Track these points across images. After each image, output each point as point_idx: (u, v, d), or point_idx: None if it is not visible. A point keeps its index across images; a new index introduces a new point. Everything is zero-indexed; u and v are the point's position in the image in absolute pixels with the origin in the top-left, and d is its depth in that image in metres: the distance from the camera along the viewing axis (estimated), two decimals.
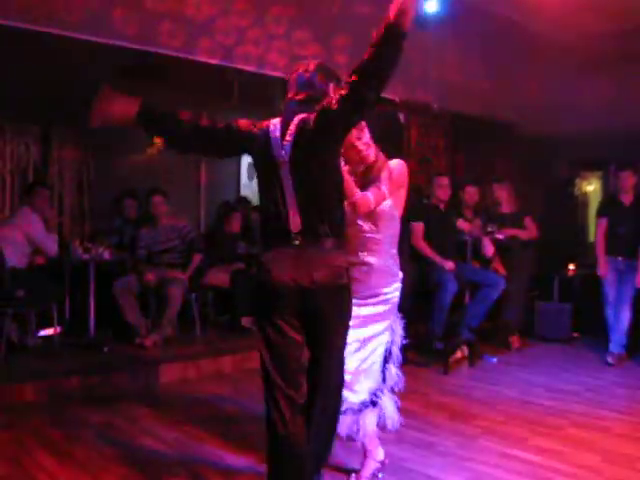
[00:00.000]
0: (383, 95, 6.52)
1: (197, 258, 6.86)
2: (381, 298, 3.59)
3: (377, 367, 3.63)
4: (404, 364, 3.84)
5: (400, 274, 3.68)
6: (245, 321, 7.27)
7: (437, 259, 6.45)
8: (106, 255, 6.48)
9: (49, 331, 6.20)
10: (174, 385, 5.77)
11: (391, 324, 3.66)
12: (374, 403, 3.62)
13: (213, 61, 6.08)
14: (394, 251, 3.66)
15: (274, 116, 3.01)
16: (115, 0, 5.62)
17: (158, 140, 8.42)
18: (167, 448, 4.23)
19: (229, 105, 9.32)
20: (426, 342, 6.28)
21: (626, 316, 6.75)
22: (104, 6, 5.56)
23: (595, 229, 7.15)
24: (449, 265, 6.42)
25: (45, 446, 4.22)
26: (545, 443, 4.41)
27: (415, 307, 5.82)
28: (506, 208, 7.44)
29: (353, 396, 3.56)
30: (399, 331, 3.71)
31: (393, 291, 3.62)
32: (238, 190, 10.23)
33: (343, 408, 3.40)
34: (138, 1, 5.74)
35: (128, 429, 4.59)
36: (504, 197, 7.45)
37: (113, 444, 4.28)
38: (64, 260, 6.62)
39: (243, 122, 3.14)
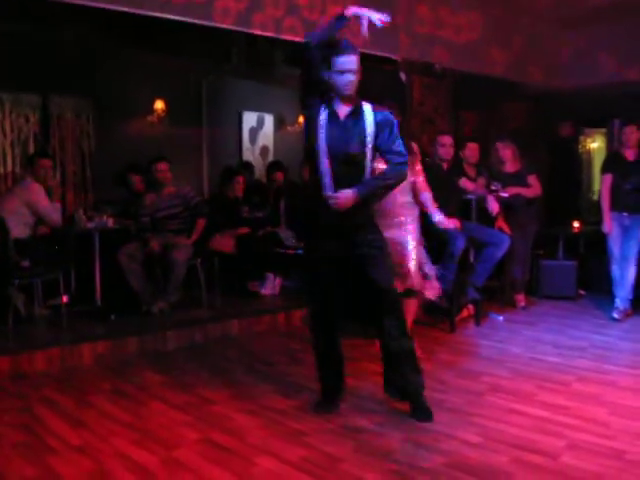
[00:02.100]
0: (384, 54, 6.48)
1: (202, 223, 6.84)
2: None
3: None
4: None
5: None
6: (251, 285, 7.30)
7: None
8: (110, 223, 6.48)
9: (56, 301, 6.22)
10: (182, 350, 5.81)
11: None
12: None
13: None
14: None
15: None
16: None
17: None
18: (178, 411, 4.27)
19: (229, 71, 9.30)
20: (432, 301, 6.27)
21: (632, 271, 6.76)
22: None
23: (600, 186, 7.12)
24: (454, 223, 6.39)
25: (56, 413, 4.26)
26: (552, 398, 4.44)
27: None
28: (510, 167, 7.39)
29: None
30: None
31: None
32: (240, 155, 10.18)
33: None
34: None
35: (138, 395, 4.62)
36: (508, 156, 7.39)
37: (124, 409, 4.32)
38: (68, 230, 6.61)
39: None
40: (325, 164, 3.93)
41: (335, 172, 3.92)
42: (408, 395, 4.17)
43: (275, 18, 6.03)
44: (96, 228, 6.40)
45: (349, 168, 3.94)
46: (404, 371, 4.12)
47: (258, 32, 5.99)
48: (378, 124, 3.99)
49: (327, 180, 3.93)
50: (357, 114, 4.00)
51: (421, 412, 4.08)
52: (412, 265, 5.08)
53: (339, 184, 3.90)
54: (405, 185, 4.81)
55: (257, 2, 5.95)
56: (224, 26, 5.77)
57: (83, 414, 4.24)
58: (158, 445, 3.72)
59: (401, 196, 5.03)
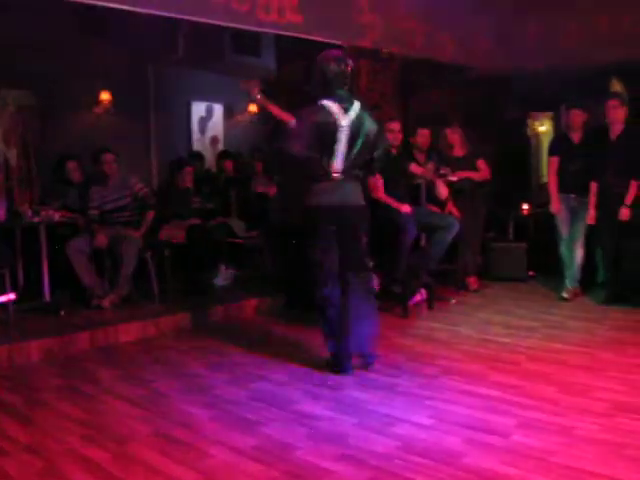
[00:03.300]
0: (329, 40, 6.45)
1: (150, 215, 6.77)
2: None
3: None
4: None
5: None
6: (203, 276, 7.25)
7: (394, 204, 6.45)
8: (56, 217, 6.37)
9: (3, 298, 6.09)
10: (134, 344, 5.74)
11: None
12: None
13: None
14: None
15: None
16: None
17: None
18: (131, 406, 4.21)
19: (177, 60, 9.19)
20: (385, 287, 6.31)
21: (579, 252, 6.89)
22: None
23: (547, 168, 7.22)
24: (405, 208, 6.43)
25: (5, 412, 4.16)
26: (504, 378, 4.49)
27: (373, 253, 5.83)
28: (458, 151, 7.46)
29: None
30: None
31: None
32: (190, 145, 10.09)
33: None
34: None
35: (89, 390, 4.55)
36: (456, 140, 7.47)
37: (76, 406, 4.24)
38: (14, 225, 6.48)
39: None
40: None
41: None
42: None
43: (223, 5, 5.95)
44: (42, 222, 6.27)
45: None
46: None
47: (204, 20, 5.90)
48: None
49: None
50: None
51: None
52: None
53: None
54: None
55: None
56: (171, 14, 5.68)
57: (33, 412, 4.16)
58: (110, 440, 3.67)
59: None
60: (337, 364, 4.74)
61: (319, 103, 4.61)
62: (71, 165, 7.23)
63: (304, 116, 4.68)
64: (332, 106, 4.58)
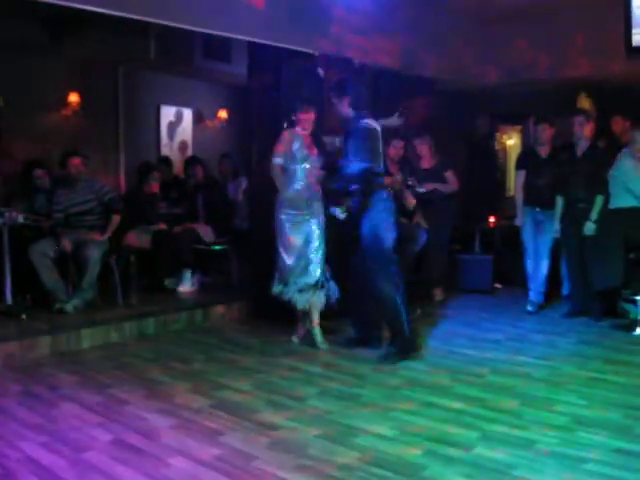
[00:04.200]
0: (301, 49, 6.45)
1: (116, 219, 6.68)
2: None
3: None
4: None
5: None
6: (168, 282, 7.18)
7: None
8: (20, 219, 6.26)
9: None
10: (97, 350, 5.65)
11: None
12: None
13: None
14: None
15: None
16: None
17: None
18: (90, 413, 4.15)
19: (147, 64, 9.12)
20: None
21: (544, 265, 6.93)
22: None
23: (514, 181, 7.28)
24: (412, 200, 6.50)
25: None
26: (467, 390, 4.51)
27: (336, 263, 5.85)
28: (426, 163, 7.50)
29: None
30: None
31: None
32: (158, 150, 10.00)
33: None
34: None
35: (49, 396, 4.47)
36: (424, 152, 7.50)
37: (33, 412, 4.17)
38: None
39: None
40: None
41: None
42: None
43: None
44: (5, 224, 6.16)
45: None
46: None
47: (174, 24, 5.85)
48: None
49: None
50: None
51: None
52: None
53: None
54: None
55: None
56: (139, 17, 5.61)
57: None
58: (68, 447, 3.61)
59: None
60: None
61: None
62: (39, 173, 7.09)
63: None
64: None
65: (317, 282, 5.55)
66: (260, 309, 6.70)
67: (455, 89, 8.71)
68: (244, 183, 8.06)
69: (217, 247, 7.66)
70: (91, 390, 4.58)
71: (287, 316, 5.81)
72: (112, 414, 4.12)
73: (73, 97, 8.67)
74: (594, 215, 6.36)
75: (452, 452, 3.50)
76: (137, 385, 4.68)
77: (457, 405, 4.22)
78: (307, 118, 5.56)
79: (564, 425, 3.88)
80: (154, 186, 7.46)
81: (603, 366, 5.07)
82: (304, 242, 5.54)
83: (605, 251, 6.33)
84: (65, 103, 8.68)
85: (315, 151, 5.61)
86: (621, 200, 6.32)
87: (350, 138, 5.31)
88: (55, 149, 7.08)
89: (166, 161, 9.11)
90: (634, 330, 6.08)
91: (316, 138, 5.72)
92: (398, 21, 7.49)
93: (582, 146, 6.56)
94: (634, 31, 7.24)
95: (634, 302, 6.17)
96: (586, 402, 4.27)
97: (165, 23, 5.64)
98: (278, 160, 5.55)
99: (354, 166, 5.18)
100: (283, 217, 5.57)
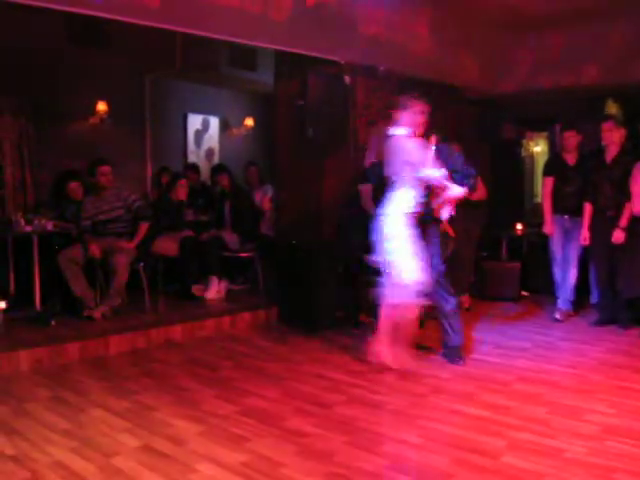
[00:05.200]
0: (327, 57, 6.47)
1: (144, 226, 6.72)
2: None
3: None
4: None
5: None
6: (195, 289, 7.22)
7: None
8: (49, 226, 6.35)
9: None
10: (124, 356, 5.70)
11: None
12: None
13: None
14: None
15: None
16: None
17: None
18: (118, 419, 4.18)
19: (173, 72, 9.21)
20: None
21: (573, 273, 6.88)
22: None
23: (542, 189, 7.23)
24: None
25: None
26: (493, 399, 4.48)
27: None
28: None
29: None
30: None
31: None
32: (185, 158, 10.08)
33: None
34: None
35: (77, 402, 4.52)
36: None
37: (62, 417, 4.21)
38: (6, 233, 6.45)
39: None
40: None
41: None
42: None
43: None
44: (35, 231, 6.25)
45: None
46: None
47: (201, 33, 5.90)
48: None
49: None
50: None
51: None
52: None
53: None
54: None
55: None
56: (167, 27, 5.67)
57: (19, 423, 4.12)
58: (96, 453, 3.64)
59: None
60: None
61: None
62: (74, 185, 7.17)
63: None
64: None
65: None
66: (286, 316, 6.72)
67: (481, 95, 8.68)
68: (270, 191, 8.08)
69: (243, 254, 7.69)
70: (119, 396, 4.62)
71: (312, 323, 5.82)
72: (139, 420, 4.15)
73: (101, 105, 8.77)
74: (623, 222, 6.30)
75: (479, 460, 3.48)
76: (164, 391, 4.71)
77: (483, 413, 4.20)
78: None
79: (593, 434, 3.84)
80: (180, 193, 7.51)
81: (632, 375, 5.01)
82: None
83: (633, 259, 6.27)
84: (93, 112, 8.78)
85: None
86: None
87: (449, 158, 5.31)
88: (83, 157, 7.15)
89: (193, 168, 9.17)
90: None
91: None
92: (424, 28, 7.49)
93: (611, 152, 6.50)
94: None
95: None
96: (615, 411, 4.23)
97: (192, 32, 5.70)
98: None
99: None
100: None
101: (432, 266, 5.24)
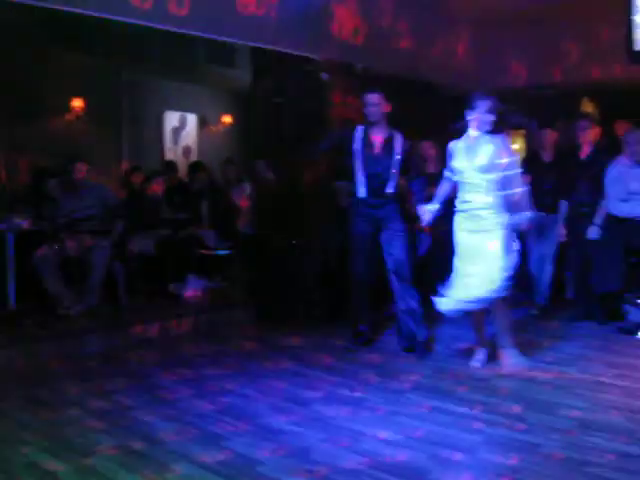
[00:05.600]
0: (304, 54, 6.45)
1: (119, 225, 6.69)
2: None
3: None
4: None
5: None
6: (172, 287, 7.19)
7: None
8: (24, 224, 6.28)
9: None
10: (100, 355, 5.65)
11: None
12: None
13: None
14: None
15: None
16: None
17: None
18: (94, 418, 4.14)
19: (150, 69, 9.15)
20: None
21: (549, 270, 6.92)
22: None
23: None
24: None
25: None
26: (471, 395, 4.49)
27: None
28: (432, 167, 7.46)
29: None
30: None
31: None
32: (162, 155, 10.03)
33: None
34: None
35: (53, 401, 4.48)
36: (432, 155, 7.45)
37: (37, 417, 4.17)
38: None
39: None
40: None
41: None
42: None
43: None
44: (9, 229, 6.19)
45: None
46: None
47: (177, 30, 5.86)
48: None
49: None
50: None
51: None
52: None
53: None
54: None
55: None
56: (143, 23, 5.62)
57: None
58: (71, 453, 3.60)
59: None
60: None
61: None
62: (53, 183, 7.11)
63: None
64: None
65: None
66: (264, 313, 6.71)
67: (459, 93, 8.71)
68: (247, 188, 8.06)
69: (221, 252, 7.67)
70: (94, 395, 4.58)
71: (291, 320, 5.82)
72: (115, 419, 4.12)
73: (77, 102, 8.70)
74: (598, 219, 6.35)
75: (457, 456, 3.49)
76: (141, 390, 4.68)
77: (461, 409, 4.22)
78: None
79: (568, 428, 3.87)
80: (156, 190, 7.46)
81: (607, 370, 5.05)
82: None
83: (606, 254, 6.32)
84: (69, 109, 8.71)
85: None
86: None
87: None
88: (58, 155, 7.08)
89: (170, 165, 9.13)
90: (637, 334, 6.07)
91: None
92: (401, 25, 7.51)
93: (585, 150, 6.55)
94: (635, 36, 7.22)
95: (637, 305, 6.16)
96: (589, 405, 4.26)
97: (168, 29, 5.66)
98: None
99: None
100: None
101: (390, 255, 5.57)
